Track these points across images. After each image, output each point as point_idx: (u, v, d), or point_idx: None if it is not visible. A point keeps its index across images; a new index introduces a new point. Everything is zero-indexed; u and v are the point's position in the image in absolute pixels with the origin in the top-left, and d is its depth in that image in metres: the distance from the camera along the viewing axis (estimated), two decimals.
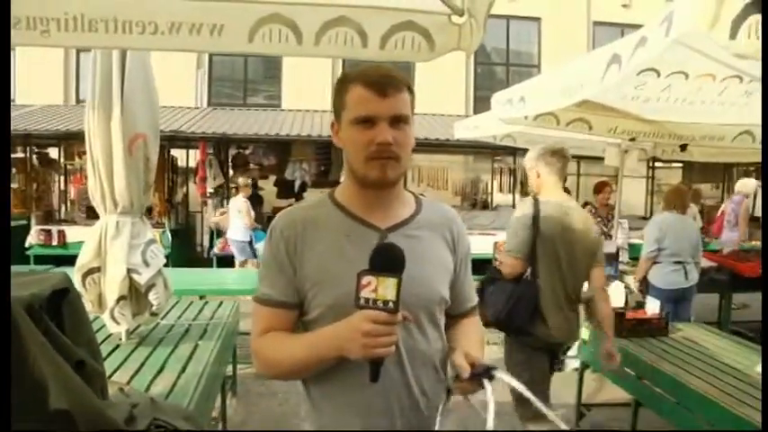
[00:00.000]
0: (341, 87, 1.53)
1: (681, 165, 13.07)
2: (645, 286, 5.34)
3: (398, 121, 1.48)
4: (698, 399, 3.20)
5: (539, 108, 4.21)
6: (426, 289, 1.57)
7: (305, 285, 1.52)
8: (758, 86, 3.64)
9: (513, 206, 12.91)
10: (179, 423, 2.20)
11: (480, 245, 9.57)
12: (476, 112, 14.72)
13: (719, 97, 4.40)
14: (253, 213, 9.29)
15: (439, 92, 14.38)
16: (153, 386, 2.90)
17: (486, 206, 13.70)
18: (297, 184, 11.19)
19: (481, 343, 1.73)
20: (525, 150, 12.03)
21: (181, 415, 2.33)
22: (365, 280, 1.32)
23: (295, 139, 10.88)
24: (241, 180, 9.57)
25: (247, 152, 11.36)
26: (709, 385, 3.28)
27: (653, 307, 4.36)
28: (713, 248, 7.50)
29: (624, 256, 6.66)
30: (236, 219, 9.11)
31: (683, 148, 5.83)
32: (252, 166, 11.26)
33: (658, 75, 3.79)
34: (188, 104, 13.91)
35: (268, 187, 11.65)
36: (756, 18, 1.70)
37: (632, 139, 5.63)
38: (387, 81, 1.47)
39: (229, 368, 4.53)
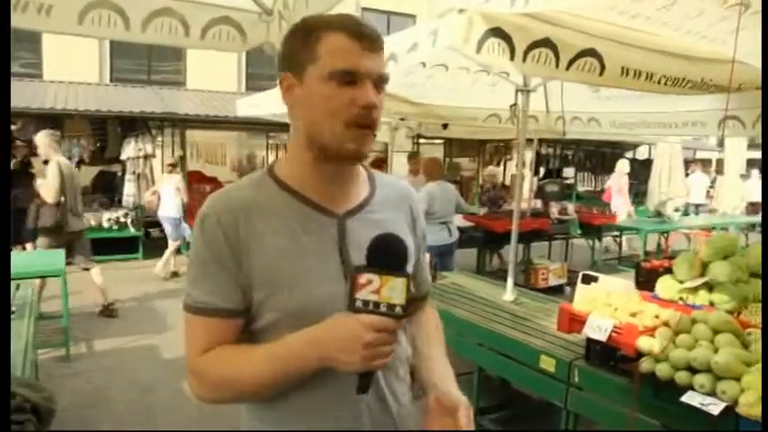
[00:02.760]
0: (309, 33, 1.22)
1: (442, 141, 14.57)
2: None
3: (381, 83, 1.24)
4: (463, 324, 4.01)
5: None
6: None
7: (252, 286, 1.22)
8: (500, 79, 4.58)
9: None
10: (23, 391, 2.36)
11: None
12: (248, 88, 15.05)
13: (472, 86, 5.36)
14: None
15: (213, 69, 14.46)
16: None
17: None
18: (74, 161, 10.62)
19: (443, 343, 1.59)
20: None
21: (21, 383, 2.37)
22: (364, 278, 1.10)
23: (72, 113, 10.30)
24: (172, 159, 9.66)
25: (14, 127, 10.49)
26: (470, 313, 4.13)
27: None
28: (472, 212, 8.76)
29: None
30: (174, 197, 9.01)
31: (445, 126, 6.86)
32: (19, 143, 10.42)
33: (424, 66, 4.59)
34: None
35: (38, 165, 10.85)
36: (492, 40, 2.43)
37: (402, 119, 6.52)
38: (373, 33, 1.22)
39: None
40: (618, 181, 12.33)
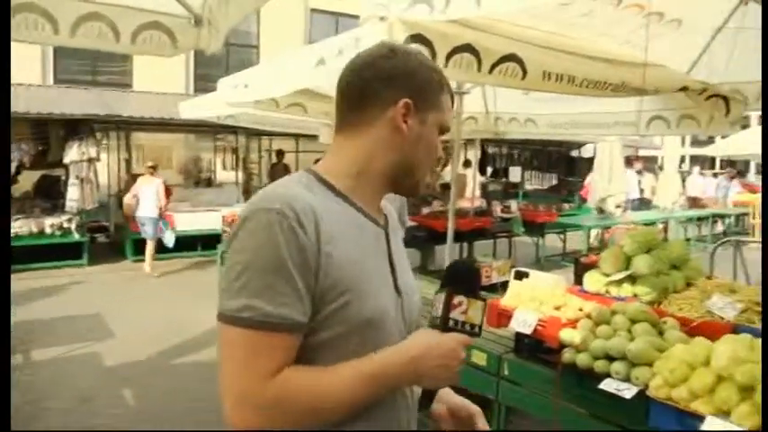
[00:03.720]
0: (441, 82, 1.33)
1: None
2: None
3: None
4: None
5: (262, 94, 4.81)
6: (418, 293, 1.42)
7: (325, 296, 1.13)
8: None
9: (237, 183, 13.56)
10: None
11: (208, 221, 10.41)
12: (196, 89, 14.84)
13: None
14: None
15: (160, 70, 14.25)
16: None
17: (210, 183, 14.02)
18: (14, 165, 10.38)
19: None
20: (247, 129, 12.73)
21: None
22: (457, 300, 1.20)
23: (11, 115, 10.03)
24: (151, 162, 10.10)
25: None
26: None
27: None
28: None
29: None
30: (154, 198, 9.53)
31: None
32: None
33: None
34: None
35: None
36: (413, 46, 2.51)
37: None
38: None
39: None
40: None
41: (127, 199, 10.05)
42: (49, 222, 10.05)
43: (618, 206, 11.02)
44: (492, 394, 3.38)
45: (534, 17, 3.32)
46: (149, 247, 9.66)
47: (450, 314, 1.19)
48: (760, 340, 2.57)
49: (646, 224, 10.62)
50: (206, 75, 15.45)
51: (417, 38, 2.61)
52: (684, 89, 4.05)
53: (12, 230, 9.69)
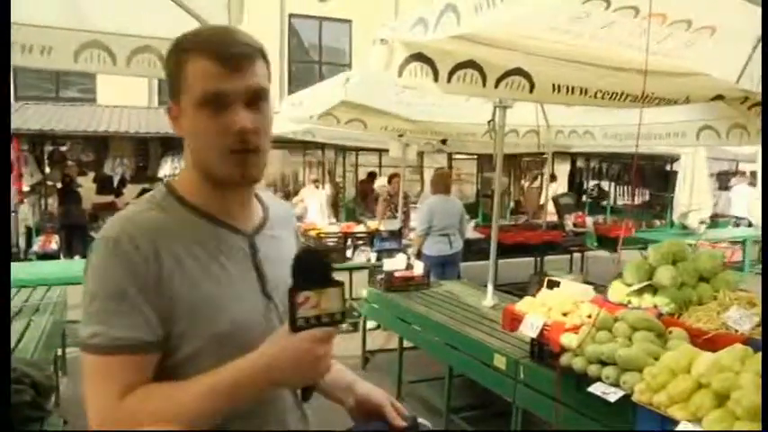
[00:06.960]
0: (175, 59, 1.18)
1: (476, 156, 14.75)
2: (419, 254, 6.47)
3: (259, 100, 1.20)
4: (437, 326, 4.29)
5: (316, 110, 5.11)
6: None
7: (173, 316, 1.15)
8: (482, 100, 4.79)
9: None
10: (24, 368, 2.80)
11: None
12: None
13: (466, 102, 5.56)
14: None
15: None
16: None
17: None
18: (116, 179, 11.37)
19: None
20: (334, 145, 13.16)
21: (24, 363, 2.94)
22: (301, 297, 1.12)
23: (113, 135, 11.03)
24: (314, 175, 11.24)
25: (64, 148, 11.34)
26: (446, 317, 4.39)
27: (418, 268, 5.45)
28: (480, 223, 8.97)
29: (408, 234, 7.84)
30: (320, 208, 10.60)
31: (444, 141, 7.11)
32: (69, 162, 11.26)
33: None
34: None
35: (87, 183, 11.67)
36: (414, 65, 2.71)
37: (401, 135, 6.78)
38: (238, 50, 1.17)
39: (59, 350, 5.01)
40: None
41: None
42: None
43: (702, 222, 10.51)
44: (510, 397, 3.49)
45: (551, 29, 3.39)
46: None
47: (297, 314, 1.11)
48: (758, 353, 2.57)
49: (732, 242, 10.16)
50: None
51: (417, 56, 2.79)
52: (720, 98, 3.98)
53: None
